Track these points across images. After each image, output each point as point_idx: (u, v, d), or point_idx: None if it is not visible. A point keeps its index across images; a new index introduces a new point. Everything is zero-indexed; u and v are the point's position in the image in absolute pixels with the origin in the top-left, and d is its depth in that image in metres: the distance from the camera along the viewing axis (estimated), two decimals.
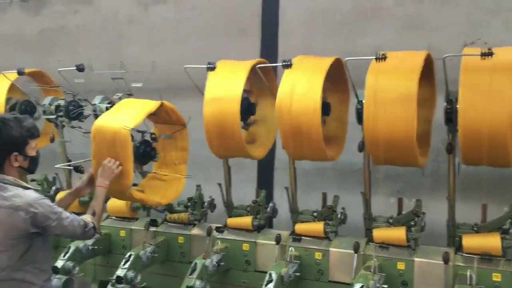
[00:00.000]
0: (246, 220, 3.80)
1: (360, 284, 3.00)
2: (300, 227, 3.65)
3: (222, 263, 3.59)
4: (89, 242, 3.89)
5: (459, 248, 3.28)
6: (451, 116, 3.12)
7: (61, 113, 4.21)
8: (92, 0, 5.90)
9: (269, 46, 5.03)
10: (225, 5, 5.23)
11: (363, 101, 3.06)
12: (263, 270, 3.58)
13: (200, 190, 4.07)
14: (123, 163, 3.14)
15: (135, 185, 3.50)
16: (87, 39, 5.86)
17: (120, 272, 3.50)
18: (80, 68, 3.84)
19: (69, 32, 6.01)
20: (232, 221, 3.87)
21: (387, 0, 4.56)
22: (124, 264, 3.56)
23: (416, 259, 3.28)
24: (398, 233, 3.34)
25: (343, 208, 3.72)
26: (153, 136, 3.66)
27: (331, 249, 3.50)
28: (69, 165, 3.73)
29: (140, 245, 3.77)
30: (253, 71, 3.50)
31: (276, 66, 3.82)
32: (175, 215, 4.06)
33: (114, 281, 3.47)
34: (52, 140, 4.43)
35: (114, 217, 4.28)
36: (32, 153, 2.65)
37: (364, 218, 3.57)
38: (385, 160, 3.17)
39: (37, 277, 2.58)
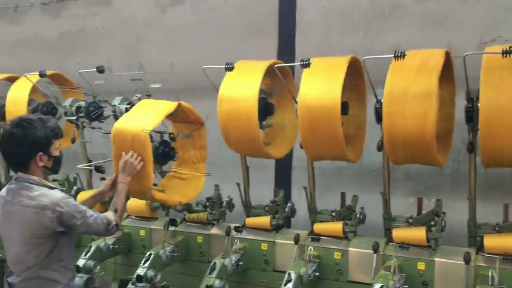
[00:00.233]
0: (265, 220, 3.81)
1: (380, 284, 2.97)
2: (319, 227, 3.64)
3: (241, 263, 3.60)
4: (110, 241, 3.94)
5: (480, 248, 3.24)
6: (471, 115, 3.08)
7: (81, 114, 4.28)
8: (111, 2, 5.97)
9: (286, 46, 5.03)
10: (241, 6, 5.25)
11: (382, 100, 3.04)
12: (282, 270, 3.58)
13: (218, 190, 4.09)
14: (143, 165, 3.18)
15: (155, 185, 3.54)
16: (107, 41, 5.93)
17: (140, 271, 3.53)
18: (100, 70, 3.89)
19: (89, 34, 6.09)
20: (251, 220, 3.87)
21: None
22: (144, 263, 3.59)
23: (436, 259, 3.25)
24: (418, 233, 3.31)
25: (362, 208, 3.70)
26: (171, 136, 3.69)
27: (350, 249, 3.49)
28: (90, 165, 3.78)
29: (160, 245, 3.80)
30: (273, 73, 3.49)
31: (294, 65, 3.82)
32: (194, 215, 4.08)
33: (134, 279, 3.50)
34: (73, 141, 4.49)
35: (134, 217, 4.32)
36: (56, 153, 2.70)
37: (384, 218, 3.55)
38: (404, 159, 3.15)
39: (63, 275, 2.64)
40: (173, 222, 4.02)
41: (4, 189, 2.75)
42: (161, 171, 3.76)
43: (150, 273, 3.53)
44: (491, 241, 3.17)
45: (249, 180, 4.01)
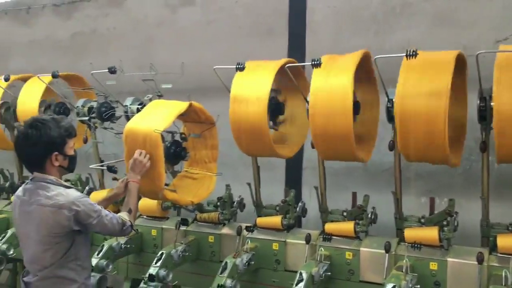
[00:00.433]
0: (276, 220, 3.81)
1: (392, 284, 2.96)
2: (330, 227, 3.63)
3: (252, 262, 3.61)
4: (122, 240, 3.97)
5: (493, 248, 3.22)
6: (484, 114, 3.06)
7: (93, 115, 4.30)
8: (122, 3, 6.01)
9: (296, 46, 5.02)
10: (252, 6, 5.26)
11: (394, 100, 3.03)
12: (293, 269, 3.59)
13: (229, 189, 4.10)
14: (155, 165, 3.20)
15: (166, 184, 3.55)
16: (118, 41, 5.98)
17: (152, 270, 3.55)
18: (112, 71, 3.92)
19: (101, 35, 6.14)
20: (262, 220, 3.88)
21: None
22: (156, 263, 3.60)
23: (449, 259, 3.23)
24: (431, 233, 3.29)
25: (373, 208, 3.69)
26: (182, 136, 3.70)
27: (361, 248, 3.48)
28: (103, 165, 3.81)
29: (171, 244, 3.82)
30: (282, 71, 3.49)
31: (304, 65, 3.81)
32: (205, 215, 4.10)
33: (146, 279, 3.52)
34: (85, 141, 4.53)
35: (145, 216, 4.35)
36: (70, 152, 2.73)
37: (395, 218, 3.54)
38: (416, 158, 3.13)
39: (79, 274, 2.67)
40: (184, 222, 4.04)
41: (20, 189, 2.78)
42: (173, 171, 3.77)
43: (162, 272, 3.55)
44: (504, 241, 3.14)
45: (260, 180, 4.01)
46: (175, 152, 3.62)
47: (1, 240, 4.27)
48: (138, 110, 3.94)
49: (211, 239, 4.01)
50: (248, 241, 3.74)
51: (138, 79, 4.06)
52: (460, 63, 3.15)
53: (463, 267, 3.18)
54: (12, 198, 2.87)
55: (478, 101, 3.08)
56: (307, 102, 3.25)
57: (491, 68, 2.88)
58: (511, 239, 3.15)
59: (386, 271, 3.24)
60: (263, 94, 3.37)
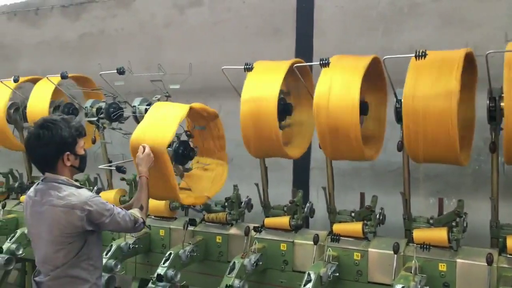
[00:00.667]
0: (284, 220, 3.81)
1: (401, 285, 2.95)
2: (338, 227, 3.63)
3: (260, 263, 3.61)
4: (130, 240, 3.98)
5: (503, 249, 3.20)
6: (494, 114, 3.04)
7: (102, 115, 4.31)
8: (130, 4, 6.04)
9: (304, 46, 5.02)
10: (259, 6, 5.26)
11: (402, 100, 3.02)
12: (301, 270, 3.58)
13: (237, 190, 4.10)
14: (166, 179, 3.23)
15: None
16: (126, 42, 6.00)
17: (160, 270, 3.56)
18: (120, 71, 3.93)
19: (109, 36, 6.17)
20: (270, 221, 3.88)
21: None
22: (164, 263, 3.61)
23: (458, 260, 3.21)
24: (440, 234, 3.27)
25: (381, 208, 3.68)
26: (188, 133, 3.71)
27: (370, 249, 3.47)
28: (111, 166, 3.83)
29: (180, 244, 3.82)
30: (290, 71, 3.49)
31: (313, 65, 3.81)
32: (213, 215, 4.10)
33: (154, 279, 3.53)
34: (93, 141, 4.55)
35: (153, 216, 4.35)
36: (81, 151, 2.74)
37: (404, 219, 3.52)
38: (424, 158, 3.12)
39: (91, 274, 2.67)
40: (192, 222, 4.05)
41: (31, 189, 2.78)
42: (182, 173, 3.78)
43: (170, 272, 3.56)
44: None
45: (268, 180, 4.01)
46: (184, 152, 3.63)
47: (10, 240, 4.30)
48: (146, 111, 3.95)
49: (219, 239, 4.02)
50: (256, 242, 3.74)
51: (145, 80, 4.07)
52: (469, 62, 3.13)
53: (473, 268, 3.16)
54: (22, 198, 2.89)
55: (488, 101, 3.06)
56: None
57: (500, 68, 2.86)
58: None
59: (395, 272, 3.23)
60: (273, 94, 3.37)
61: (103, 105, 4.35)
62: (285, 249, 3.74)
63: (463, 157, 3.12)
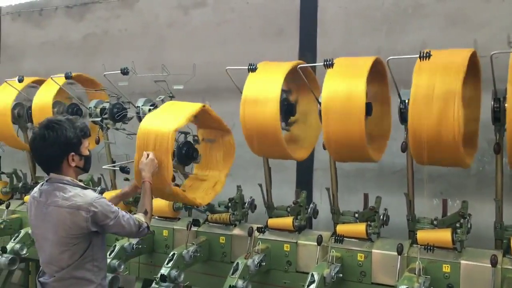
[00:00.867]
0: (287, 221, 3.81)
1: (405, 287, 2.94)
2: (342, 228, 3.62)
3: (263, 263, 3.61)
4: (134, 241, 3.99)
5: (507, 250, 3.19)
6: (498, 115, 3.03)
7: (106, 116, 4.32)
8: (134, 5, 6.05)
9: (307, 47, 5.02)
10: (263, 7, 5.26)
11: (406, 101, 3.01)
12: (304, 271, 3.59)
13: (241, 190, 4.10)
14: (162, 160, 3.19)
15: (178, 185, 3.56)
16: (130, 43, 6.01)
17: (164, 270, 3.56)
18: (124, 72, 3.94)
19: (112, 36, 6.19)
20: (273, 221, 3.88)
21: None
22: (167, 263, 3.62)
23: (462, 261, 3.20)
24: (444, 235, 3.27)
25: (385, 209, 3.67)
26: (195, 138, 3.71)
27: (373, 250, 3.46)
28: (115, 166, 3.83)
29: (183, 245, 3.83)
30: (293, 72, 3.49)
31: (316, 66, 3.81)
32: (216, 215, 4.11)
33: (158, 279, 3.53)
34: (97, 142, 4.56)
35: (157, 217, 4.35)
36: (86, 152, 2.74)
37: (407, 220, 3.52)
38: (428, 160, 3.11)
39: (96, 275, 2.67)
40: (195, 223, 4.05)
41: (35, 190, 2.78)
42: (184, 172, 3.78)
43: (174, 272, 3.56)
44: None
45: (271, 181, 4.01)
46: (187, 152, 3.62)
47: (14, 239, 4.31)
48: (150, 111, 3.95)
49: (222, 240, 4.02)
50: (259, 242, 3.74)
51: (149, 80, 4.07)
52: (473, 62, 3.12)
53: (477, 269, 3.16)
54: (26, 198, 2.89)
55: (492, 102, 3.05)
56: (319, 103, 3.24)
57: (505, 68, 2.85)
58: None
59: (399, 273, 3.23)
60: (274, 94, 3.37)
61: (107, 105, 4.36)
62: (288, 249, 3.73)
63: (467, 158, 3.11)
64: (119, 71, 3.98)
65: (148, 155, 3.14)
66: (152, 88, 4.11)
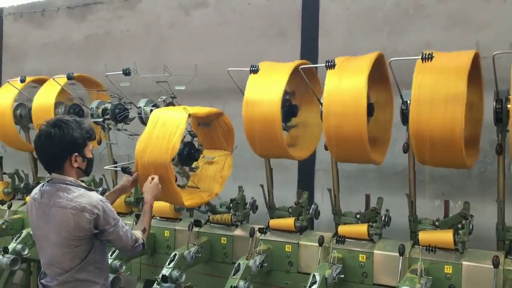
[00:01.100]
0: (289, 222, 3.80)
1: (407, 287, 2.95)
2: (343, 229, 3.62)
3: (265, 264, 3.60)
4: None
5: (509, 252, 3.19)
6: (501, 116, 3.03)
7: (107, 116, 4.32)
8: (136, 5, 6.06)
9: (309, 47, 5.02)
10: (265, 7, 5.26)
11: (408, 102, 3.01)
12: (306, 271, 3.59)
13: (242, 191, 4.10)
14: (167, 187, 3.23)
15: (182, 186, 3.57)
16: (131, 43, 6.02)
17: (165, 271, 3.56)
18: (126, 72, 3.94)
19: (114, 37, 6.19)
20: (275, 222, 3.88)
21: None
22: (169, 264, 3.61)
23: (464, 262, 3.20)
24: (445, 236, 3.27)
25: (387, 210, 3.67)
26: (192, 133, 3.71)
27: (375, 251, 3.46)
28: (117, 167, 3.83)
29: (184, 245, 3.83)
30: (296, 73, 3.49)
31: (318, 66, 3.80)
32: (218, 216, 4.10)
33: (159, 280, 3.53)
34: (99, 142, 4.55)
35: (158, 218, 4.36)
36: (89, 155, 2.73)
37: (409, 221, 3.51)
38: (431, 161, 3.10)
39: (99, 276, 2.67)
40: (197, 223, 4.05)
41: (36, 191, 2.75)
42: (187, 174, 3.78)
43: (175, 273, 3.56)
44: None
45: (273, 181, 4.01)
46: (189, 153, 3.63)
47: (16, 240, 4.31)
48: (151, 111, 3.95)
49: (223, 240, 4.02)
50: (260, 243, 3.74)
51: (151, 81, 4.08)
52: (476, 63, 3.12)
53: (479, 270, 3.15)
54: (28, 199, 2.87)
55: (494, 103, 3.05)
56: (321, 104, 3.24)
57: (507, 69, 2.84)
58: None
59: (400, 274, 3.22)
60: (276, 95, 3.37)
61: (108, 106, 4.36)
62: (290, 250, 3.73)
63: (469, 159, 3.10)
64: (121, 72, 3.98)
65: (152, 178, 3.14)
66: (154, 89, 4.12)
